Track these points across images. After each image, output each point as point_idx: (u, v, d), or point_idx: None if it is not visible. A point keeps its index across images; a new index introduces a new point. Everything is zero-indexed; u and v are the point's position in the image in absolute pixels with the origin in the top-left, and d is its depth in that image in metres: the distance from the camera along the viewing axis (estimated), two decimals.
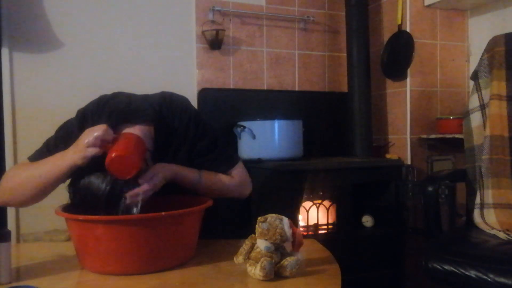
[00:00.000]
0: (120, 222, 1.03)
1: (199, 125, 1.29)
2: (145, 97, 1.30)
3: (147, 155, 1.19)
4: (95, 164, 1.08)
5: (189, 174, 1.26)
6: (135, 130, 1.19)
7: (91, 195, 1.07)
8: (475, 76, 1.92)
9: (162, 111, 1.25)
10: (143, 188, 1.11)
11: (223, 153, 1.34)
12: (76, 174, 1.10)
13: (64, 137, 1.21)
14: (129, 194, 1.10)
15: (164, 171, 1.19)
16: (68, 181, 1.15)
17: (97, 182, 1.08)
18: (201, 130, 1.29)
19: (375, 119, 2.60)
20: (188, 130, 1.27)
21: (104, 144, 1.08)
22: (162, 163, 1.21)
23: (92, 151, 1.07)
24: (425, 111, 2.49)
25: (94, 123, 1.19)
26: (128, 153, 1.07)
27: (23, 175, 1.15)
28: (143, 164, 1.14)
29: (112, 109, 1.23)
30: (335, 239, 2.21)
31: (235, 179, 1.34)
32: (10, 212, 2.10)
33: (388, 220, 2.36)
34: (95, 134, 1.07)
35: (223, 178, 1.32)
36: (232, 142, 2.30)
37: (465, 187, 1.94)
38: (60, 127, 1.26)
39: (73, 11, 2.22)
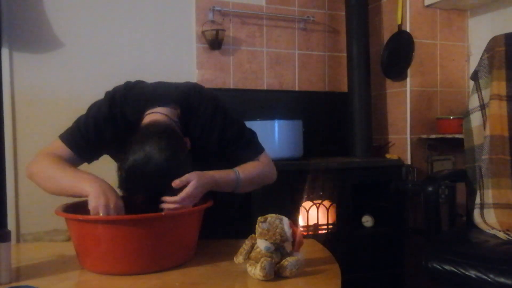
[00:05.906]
0: (120, 222, 1.03)
1: (226, 113, 1.30)
2: (170, 84, 1.33)
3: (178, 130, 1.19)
4: None
5: (227, 176, 1.23)
6: (157, 110, 1.20)
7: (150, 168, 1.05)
8: (475, 76, 1.92)
9: (190, 97, 1.27)
10: (181, 204, 1.09)
11: (250, 140, 1.35)
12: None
13: (95, 117, 1.24)
14: (166, 206, 1.08)
15: (203, 184, 1.14)
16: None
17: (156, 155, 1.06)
18: (229, 119, 1.30)
19: (375, 119, 2.60)
20: (214, 119, 1.27)
21: None
22: (199, 171, 1.15)
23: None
24: (425, 111, 2.49)
25: (123, 104, 1.24)
26: None
27: (51, 172, 1.15)
28: None
29: (139, 92, 1.26)
30: (335, 239, 2.21)
31: (267, 164, 1.34)
32: (10, 212, 2.10)
33: (388, 220, 2.37)
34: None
35: (256, 166, 1.31)
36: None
37: (465, 187, 1.94)
38: (90, 108, 1.28)
39: (73, 11, 2.22)
